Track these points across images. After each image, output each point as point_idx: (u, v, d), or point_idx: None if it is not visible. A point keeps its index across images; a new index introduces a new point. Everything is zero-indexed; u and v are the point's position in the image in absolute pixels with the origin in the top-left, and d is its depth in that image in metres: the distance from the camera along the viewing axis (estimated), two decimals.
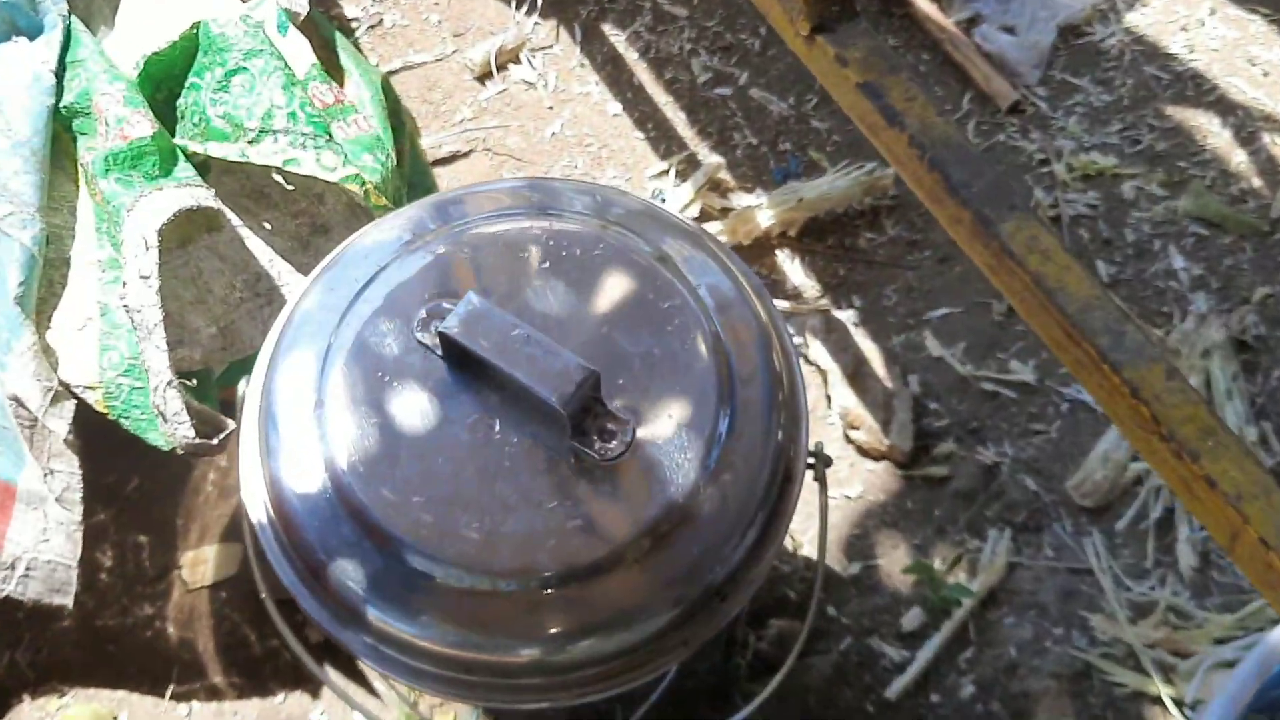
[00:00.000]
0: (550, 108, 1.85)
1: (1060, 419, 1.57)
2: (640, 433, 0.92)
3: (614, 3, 1.95)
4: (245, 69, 1.18)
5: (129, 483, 1.54)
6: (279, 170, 1.20)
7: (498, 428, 0.93)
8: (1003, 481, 1.53)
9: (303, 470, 0.94)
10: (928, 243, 1.71)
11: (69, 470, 1.19)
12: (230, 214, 1.21)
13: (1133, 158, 1.75)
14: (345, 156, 1.18)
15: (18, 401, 1.07)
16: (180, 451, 1.08)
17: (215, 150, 1.18)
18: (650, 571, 0.91)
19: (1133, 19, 1.90)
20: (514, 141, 1.81)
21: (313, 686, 1.44)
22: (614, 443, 0.91)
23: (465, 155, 1.80)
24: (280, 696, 1.43)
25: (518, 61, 1.89)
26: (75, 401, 1.11)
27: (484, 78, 1.88)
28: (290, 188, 1.26)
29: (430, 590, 0.89)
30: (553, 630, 0.89)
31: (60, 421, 1.10)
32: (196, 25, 1.22)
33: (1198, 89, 1.82)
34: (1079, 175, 1.74)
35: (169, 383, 1.04)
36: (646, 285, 0.98)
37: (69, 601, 1.32)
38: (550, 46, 1.91)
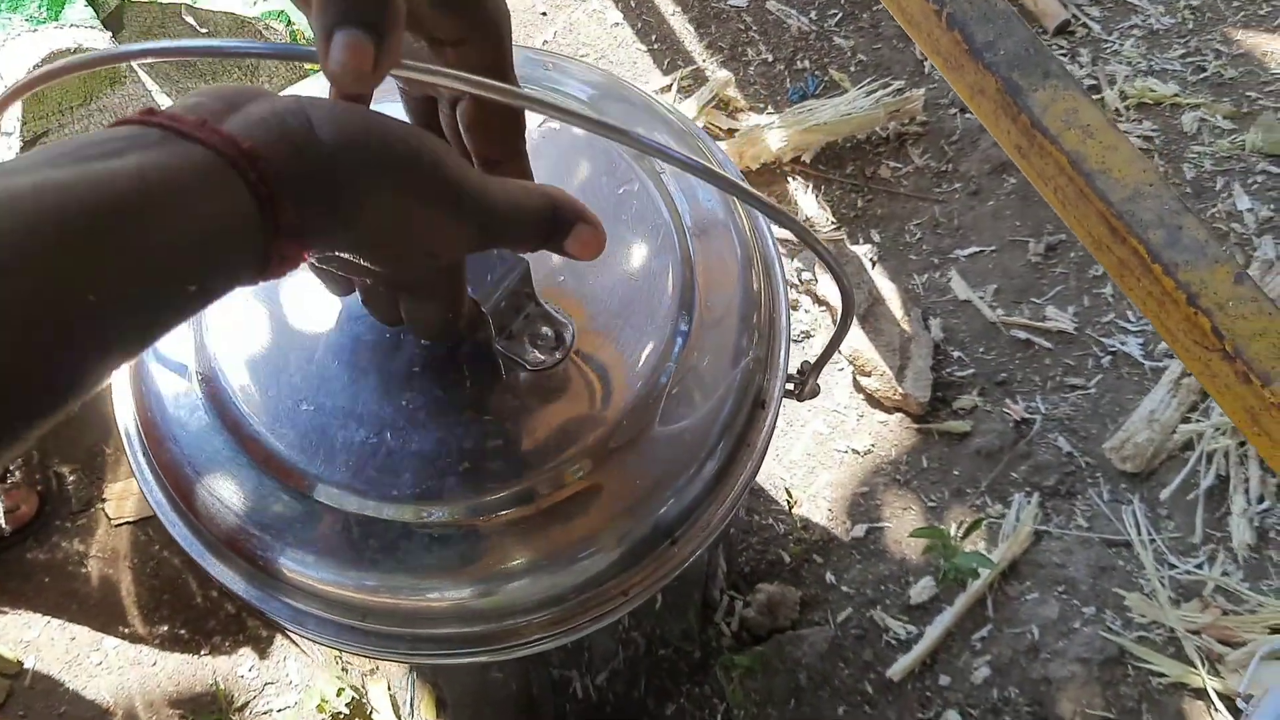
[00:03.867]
0: (544, 14, 1.68)
1: (1101, 373, 1.38)
2: (580, 339, 0.75)
3: None
4: None
5: None
6: (190, 10, 1.03)
7: None
8: (1032, 440, 1.35)
9: (172, 372, 0.78)
10: (958, 174, 1.52)
11: None
12: (140, 71, 1.04)
13: (1196, 86, 1.56)
14: None
15: None
16: None
17: None
18: (585, 503, 0.74)
19: None
20: None
21: (241, 639, 1.28)
22: (548, 350, 0.75)
23: None
24: (205, 648, 1.28)
25: None
26: None
27: None
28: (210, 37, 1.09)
29: (316, 517, 0.73)
30: (468, 569, 0.73)
31: None
32: None
33: (1274, 10, 1.62)
34: (1134, 103, 1.54)
35: None
36: (603, 170, 0.81)
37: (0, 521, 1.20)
38: None
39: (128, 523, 1.33)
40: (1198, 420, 1.32)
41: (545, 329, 0.75)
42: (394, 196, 0.45)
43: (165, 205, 0.38)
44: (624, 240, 0.78)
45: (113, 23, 1.02)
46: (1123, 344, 1.39)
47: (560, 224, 0.54)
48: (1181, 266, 0.71)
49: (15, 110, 0.87)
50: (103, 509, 1.35)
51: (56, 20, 0.96)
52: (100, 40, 0.97)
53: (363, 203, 0.45)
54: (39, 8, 0.95)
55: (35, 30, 0.93)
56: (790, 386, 0.84)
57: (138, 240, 0.38)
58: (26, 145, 0.98)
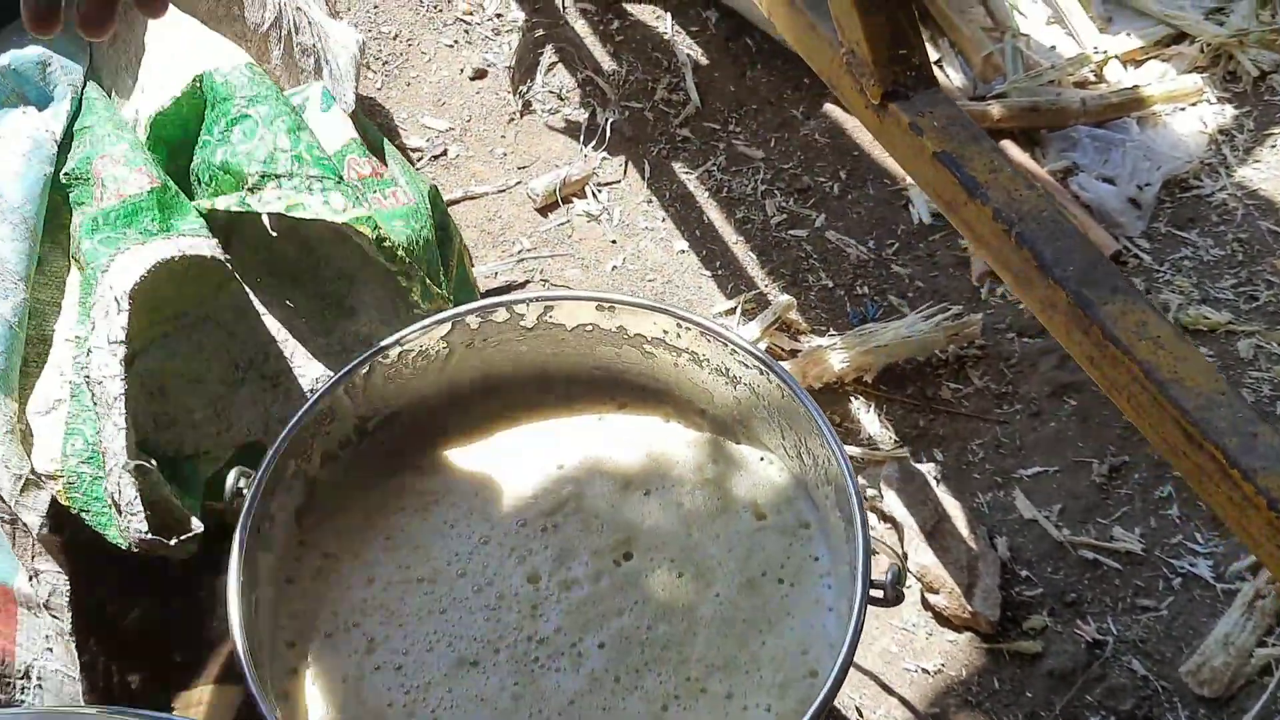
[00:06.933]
0: (613, 241, 1.76)
1: (1172, 594, 1.37)
2: None
3: (687, 142, 1.88)
4: (248, 115, 1.09)
5: (129, 612, 1.41)
6: (284, 217, 1.07)
7: None
8: (1106, 662, 1.33)
9: None
10: (1018, 396, 1.55)
11: (53, 570, 1.07)
12: (240, 281, 1.10)
13: (1249, 314, 1.60)
14: (358, 199, 1.08)
15: None
16: (135, 549, 0.95)
17: (220, 203, 1.08)
18: None
19: (1245, 173, 1.77)
20: (573, 274, 1.72)
21: None
22: None
23: (521, 285, 1.71)
24: None
25: (582, 195, 1.82)
26: (49, 492, 0.99)
27: (546, 209, 1.80)
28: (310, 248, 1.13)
29: None
30: None
31: (33, 514, 0.98)
32: (200, 78, 1.14)
33: None
34: (1189, 330, 1.58)
35: (124, 466, 0.92)
36: None
37: None
38: (617, 182, 1.83)
39: None
40: (1273, 644, 1.30)
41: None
42: None
43: None
44: None
45: (219, 231, 1.09)
46: (1192, 565, 1.38)
47: None
48: (1260, 472, 0.73)
49: (121, 320, 0.93)
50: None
51: (168, 232, 1.03)
52: (208, 247, 1.04)
53: None
54: (152, 220, 1.02)
55: (145, 243, 1.00)
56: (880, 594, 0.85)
57: None
58: (132, 355, 1.03)
